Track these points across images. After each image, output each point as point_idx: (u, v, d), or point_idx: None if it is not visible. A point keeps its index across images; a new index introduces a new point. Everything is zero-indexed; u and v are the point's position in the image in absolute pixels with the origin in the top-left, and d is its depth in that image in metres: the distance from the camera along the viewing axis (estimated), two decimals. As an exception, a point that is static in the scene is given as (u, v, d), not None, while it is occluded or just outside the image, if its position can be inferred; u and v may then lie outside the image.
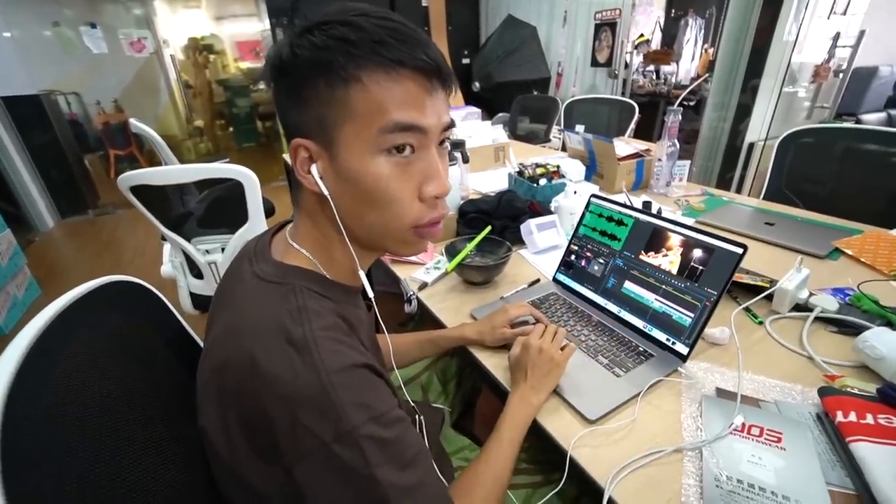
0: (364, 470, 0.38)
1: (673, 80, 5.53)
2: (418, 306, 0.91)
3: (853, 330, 0.71)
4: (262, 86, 4.82)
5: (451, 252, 0.95)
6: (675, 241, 0.73)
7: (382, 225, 0.46)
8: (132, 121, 1.79)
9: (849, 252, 0.98)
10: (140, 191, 1.20)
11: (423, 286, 0.94)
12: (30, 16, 3.48)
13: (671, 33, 6.71)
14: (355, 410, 0.38)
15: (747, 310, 0.79)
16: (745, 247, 0.65)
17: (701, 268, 0.69)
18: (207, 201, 1.46)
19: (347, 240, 0.47)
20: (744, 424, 0.55)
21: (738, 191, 2.58)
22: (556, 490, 0.56)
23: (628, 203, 1.04)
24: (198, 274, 1.48)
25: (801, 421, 0.56)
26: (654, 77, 5.32)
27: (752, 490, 0.48)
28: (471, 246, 0.92)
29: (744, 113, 2.57)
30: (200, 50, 4.87)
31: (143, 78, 4.20)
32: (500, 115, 3.36)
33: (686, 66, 5.83)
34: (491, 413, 0.95)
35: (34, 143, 3.42)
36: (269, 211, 2.06)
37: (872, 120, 3.14)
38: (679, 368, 0.67)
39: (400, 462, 0.40)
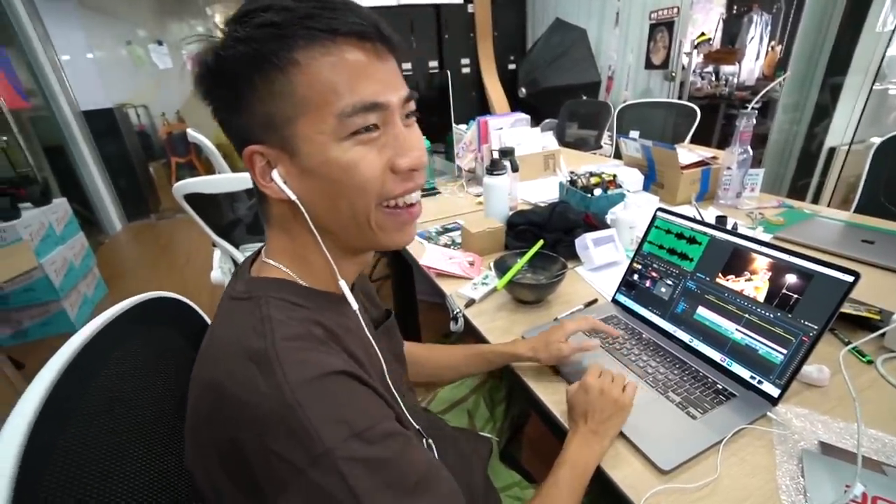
0: (350, 500, 0.32)
1: (735, 80, 5.21)
2: (465, 325, 0.86)
3: None
4: None
5: (500, 267, 0.89)
6: (761, 263, 0.64)
7: (355, 211, 0.41)
8: (189, 130, 1.86)
9: (973, 277, 0.83)
10: (194, 199, 1.24)
11: (471, 303, 0.89)
12: (108, 36, 3.78)
13: (733, 31, 6.34)
14: (330, 428, 0.33)
15: (855, 348, 0.68)
16: (857, 274, 0.55)
17: (795, 296, 0.59)
18: (256, 208, 1.49)
19: (323, 244, 0.42)
20: (864, 495, 0.45)
21: (816, 201, 2.34)
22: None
23: (697, 217, 0.94)
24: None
25: (936, 492, 0.46)
26: (714, 78, 5.02)
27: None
28: (522, 261, 0.86)
29: (822, 114, 2.33)
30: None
31: (203, 90, 4.49)
32: (547, 121, 3.26)
33: (749, 66, 5.47)
34: (540, 440, 0.89)
35: (107, 152, 3.73)
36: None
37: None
38: (769, 414, 0.57)
39: (399, 487, 0.35)
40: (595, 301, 0.87)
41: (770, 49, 5.10)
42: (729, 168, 1.29)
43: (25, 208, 2.14)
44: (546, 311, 0.85)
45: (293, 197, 0.40)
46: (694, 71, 4.71)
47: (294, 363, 0.35)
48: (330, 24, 0.36)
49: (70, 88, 3.49)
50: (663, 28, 3.17)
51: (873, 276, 0.87)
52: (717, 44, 5.11)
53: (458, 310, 0.88)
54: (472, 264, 1.03)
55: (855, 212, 1.23)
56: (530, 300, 0.86)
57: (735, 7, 6.06)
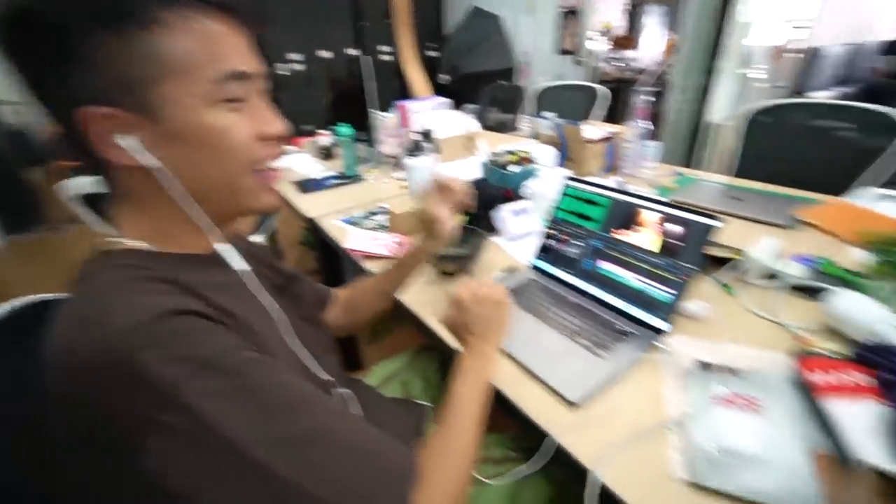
0: (213, 433, 0.31)
1: (638, 65, 5.65)
2: (394, 302, 0.89)
3: (821, 295, 0.72)
4: None
5: (425, 243, 0.92)
6: (651, 218, 0.73)
7: (226, 175, 0.42)
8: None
9: (809, 220, 1.00)
10: (93, 199, 1.13)
11: (399, 280, 0.91)
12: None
13: (635, 20, 6.83)
14: (171, 367, 0.31)
15: (719, 282, 0.80)
16: (719, 219, 0.65)
17: (678, 243, 0.69)
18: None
19: (189, 211, 0.41)
20: (724, 393, 0.55)
21: (706, 170, 2.64)
22: (542, 474, 0.55)
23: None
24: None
25: (777, 386, 0.57)
26: (621, 63, 5.42)
27: (734, 457, 0.48)
28: (445, 236, 0.90)
29: (706, 94, 2.63)
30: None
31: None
32: (469, 106, 3.34)
33: (651, 52, 5.96)
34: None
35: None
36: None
37: (822, 97, 3.26)
38: (661, 345, 0.66)
39: (267, 410, 0.33)
40: (515, 268, 0.93)
41: (669, 37, 5.60)
42: (629, 141, 1.43)
43: None
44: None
45: (157, 163, 0.38)
46: (602, 57, 5.05)
47: (124, 308, 0.33)
48: None
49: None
50: (572, 16, 3.36)
51: (739, 226, 1.02)
52: (622, 31, 5.50)
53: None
54: (400, 245, 1.06)
55: (735, 176, 1.43)
56: (454, 271, 0.91)
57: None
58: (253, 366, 0.35)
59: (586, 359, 0.65)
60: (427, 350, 0.93)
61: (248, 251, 0.58)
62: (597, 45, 3.46)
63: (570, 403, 0.58)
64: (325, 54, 3.97)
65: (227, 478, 0.32)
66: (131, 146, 0.37)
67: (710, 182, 1.33)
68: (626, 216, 0.76)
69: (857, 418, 0.48)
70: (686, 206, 0.69)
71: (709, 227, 0.66)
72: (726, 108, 2.57)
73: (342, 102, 2.00)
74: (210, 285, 0.42)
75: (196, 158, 0.40)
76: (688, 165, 2.59)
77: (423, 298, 0.86)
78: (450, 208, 0.69)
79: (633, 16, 6.16)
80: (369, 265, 0.99)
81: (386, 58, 4.27)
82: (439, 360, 0.92)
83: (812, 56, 3.14)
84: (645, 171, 1.45)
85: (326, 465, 0.34)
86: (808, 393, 0.55)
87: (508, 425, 0.66)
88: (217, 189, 0.42)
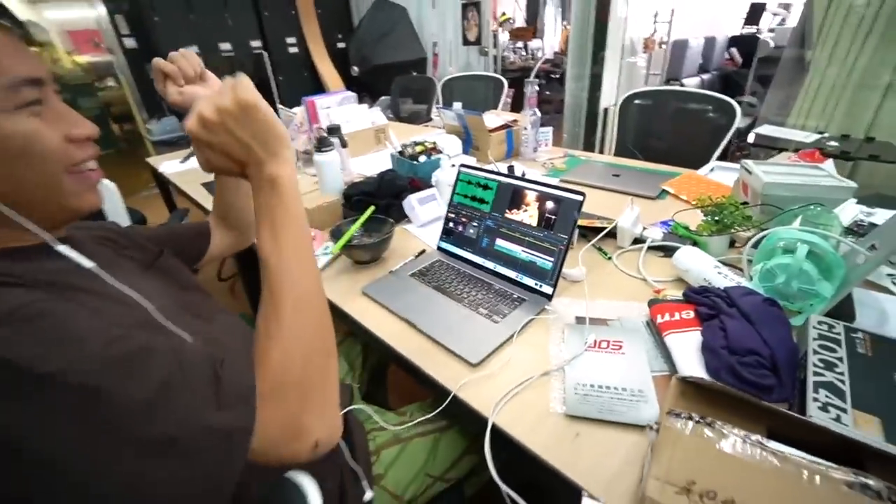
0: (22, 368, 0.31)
1: (541, 55, 5.95)
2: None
3: (672, 252, 0.88)
4: (110, 83, 4.17)
5: (336, 235, 0.95)
6: (531, 197, 0.83)
7: (43, 179, 0.43)
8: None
9: (671, 191, 1.19)
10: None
11: (312, 273, 0.93)
12: None
13: (534, 11, 7.18)
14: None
15: (598, 248, 0.93)
16: (583, 194, 0.76)
17: (554, 217, 0.79)
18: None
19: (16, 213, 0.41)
20: (595, 341, 0.66)
21: (601, 151, 2.92)
22: (454, 430, 0.62)
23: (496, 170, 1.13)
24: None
25: (636, 329, 0.69)
26: (524, 53, 5.68)
27: (601, 389, 0.59)
28: (355, 226, 0.94)
29: (597, 82, 2.89)
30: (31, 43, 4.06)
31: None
32: (383, 98, 3.33)
33: (550, 42, 6.30)
34: (402, 382, 1.00)
35: None
36: (140, 222, 1.84)
37: (691, 83, 3.74)
38: (546, 307, 0.77)
39: (48, 341, 0.33)
40: (423, 252, 0.99)
41: (564, 28, 5.97)
42: (525, 128, 1.55)
43: None
44: (382, 267, 0.95)
45: None
46: (507, 47, 5.26)
47: None
48: None
49: None
50: (473, 8, 3.47)
51: (616, 199, 1.17)
52: (521, 23, 5.75)
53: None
54: (313, 238, 1.07)
55: (614, 155, 1.61)
56: (366, 259, 0.95)
57: (532, -11, 6.80)
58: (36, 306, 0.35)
59: (485, 326, 0.73)
60: (351, 336, 0.97)
61: (101, 238, 0.59)
62: (497, 35, 3.60)
63: (471, 364, 0.66)
64: (226, 47, 3.71)
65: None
66: None
67: (595, 162, 1.49)
68: (513, 197, 0.86)
69: (684, 346, 0.61)
70: (556, 185, 0.80)
71: (575, 202, 0.77)
72: (613, 94, 2.85)
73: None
74: (36, 273, 0.41)
75: (8, 167, 0.40)
76: (588, 148, 2.85)
77: (339, 286, 0.89)
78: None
79: (532, 6, 6.46)
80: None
81: (292, 49, 4.10)
82: (361, 345, 0.96)
83: (680, 48, 3.57)
84: (541, 154, 1.59)
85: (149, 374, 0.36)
86: (656, 332, 0.67)
87: (426, 394, 0.73)
88: (38, 194, 0.43)
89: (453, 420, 0.73)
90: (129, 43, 3.52)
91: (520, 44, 5.52)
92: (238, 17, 3.69)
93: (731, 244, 0.89)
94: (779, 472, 0.37)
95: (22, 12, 3.81)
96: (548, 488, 0.52)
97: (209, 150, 0.45)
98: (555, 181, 1.14)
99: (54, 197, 0.44)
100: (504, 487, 0.51)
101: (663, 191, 1.21)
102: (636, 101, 1.64)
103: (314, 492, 0.47)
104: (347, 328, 0.85)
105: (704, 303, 0.65)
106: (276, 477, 0.49)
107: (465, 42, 3.67)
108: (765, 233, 0.71)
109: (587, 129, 3.07)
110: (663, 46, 3.32)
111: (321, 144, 1.25)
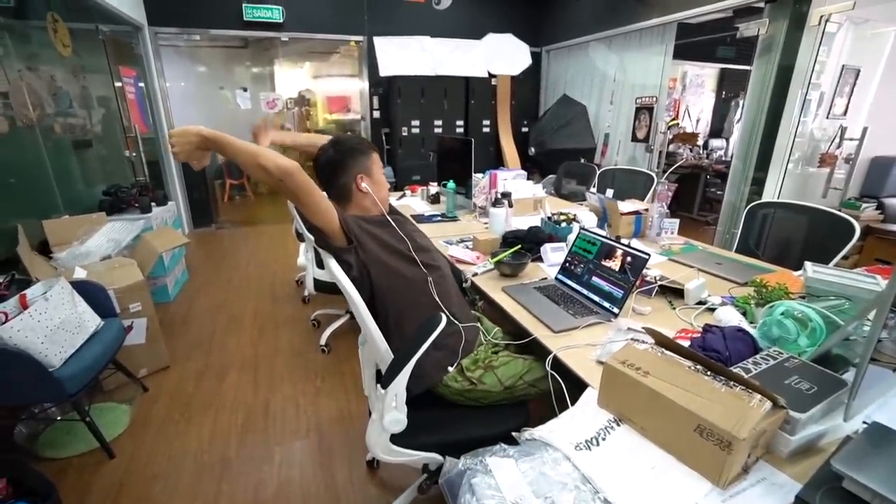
0: None
1: (716, 154, 5.99)
2: (471, 285, 1.53)
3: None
4: (348, 133, 6.04)
5: (494, 256, 1.57)
6: (618, 252, 1.31)
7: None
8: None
9: (759, 281, 1.47)
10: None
11: (475, 275, 1.56)
12: (207, 83, 4.76)
13: (723, 112, 7.25)
14: None
15: (669, 301, 1.33)
16: (648, 255, 1.22)
17: (630, 266, 1.26)
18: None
19: None
20: (632, 336, 1.10)
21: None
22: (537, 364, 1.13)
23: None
24: (320, 265, 2.20)
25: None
26: (701, 152, 5.85)
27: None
28: (506, 253, 1.54)
29: (759, 186, 3.04)
30: (305, 103, 6.34)
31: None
32: (550, 176, 4.02)
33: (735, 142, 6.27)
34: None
35: (189, 172, 4.58)
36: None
37: (894, 203, 3.42)
38: (612, 320, 1.22)
39: None
40: (545, 278, 1.53)
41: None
42: (652, 216, 1.98)
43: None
44: (518, 280, 1.51)
45: None
46: (681, 146, 5.52)
47: None
48: None
49: (172, 117, 4.42)
50: (645, 111, 3.97)
51: (713, 281, 1.50)
52: (708, 123, 5.97)
53: (468, 277, 1.55)
54: (478, 258, 1.71)
55: (736, 251, 1.89)
56: (508, 273, 1.53)
57: (724, 93, 6.98)
58: None
59: (568, 317, 1.23)
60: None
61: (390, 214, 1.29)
62: (664, 137, 3.98)
63: (553, 331, 1.16)
64: (437, 123, 4.97)
65: None
66: None
67: (706, 252, 1.82)
68: (608, 252, 1.34)
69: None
70: (635, 248, 1.26)
71: (643, 259, 1.22)
72: (776, 198, 2.94)
73: (449, 163, 2.79)
74: None
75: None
76: (746, 253, 2.96)
77: (489, 284, 1.49)
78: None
79: (723, 107, 6.59)
80: (460, 266, 1.65)
81: (486, 129, 5.19)
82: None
83: (882, 165, 3.39)
84: (663, 239, 1.97)
85: None
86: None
87: (507, 327, 1.25)
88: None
89: (539, 357, 1.22)
90: (375, 114, 5.03)
91: (700, 143, 5.71)
92: (451, 103, 4.92)
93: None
94: (677, 364, 0.79)
95: (305, 84, 5.93)
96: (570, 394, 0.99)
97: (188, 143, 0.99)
98: (640, 246, 1.57)
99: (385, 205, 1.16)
100: (554, 374, 1.01)
101: (754, 280, 1.50)
102: (761, 211, 1.91)
103: (444, 321, 1.01)
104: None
105: (708, 329, 1.03)
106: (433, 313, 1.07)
107: (634, 139, 4.15)
108: (776, 303, 1.05)
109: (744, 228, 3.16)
110: (849, 163, 3.23)
111: (496, 202, 1.92)
